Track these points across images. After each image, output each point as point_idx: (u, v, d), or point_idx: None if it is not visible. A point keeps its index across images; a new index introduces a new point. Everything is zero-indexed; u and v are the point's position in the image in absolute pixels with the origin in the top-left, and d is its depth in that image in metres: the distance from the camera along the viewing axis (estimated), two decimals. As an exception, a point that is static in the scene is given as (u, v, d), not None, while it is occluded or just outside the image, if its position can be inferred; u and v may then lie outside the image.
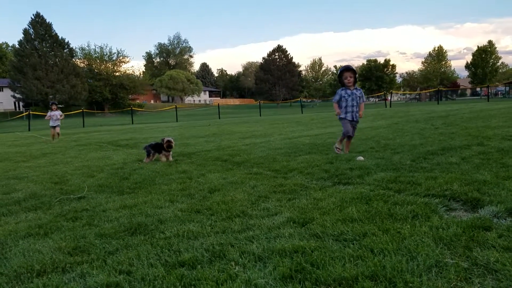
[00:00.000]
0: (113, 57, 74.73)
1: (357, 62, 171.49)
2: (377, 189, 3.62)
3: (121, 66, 75.42)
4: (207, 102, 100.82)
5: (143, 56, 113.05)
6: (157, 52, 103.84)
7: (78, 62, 71.17)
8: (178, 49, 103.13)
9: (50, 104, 14.28)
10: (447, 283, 1.76)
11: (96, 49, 74.03)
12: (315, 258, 2.11)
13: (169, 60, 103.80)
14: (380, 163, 4.88)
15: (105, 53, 74.01)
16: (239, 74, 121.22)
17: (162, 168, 5.70)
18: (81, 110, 33.82)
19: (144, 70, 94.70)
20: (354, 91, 6.11)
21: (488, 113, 13.72)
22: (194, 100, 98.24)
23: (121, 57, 75.52)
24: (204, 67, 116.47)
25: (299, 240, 2.42)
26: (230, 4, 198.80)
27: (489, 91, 44.79)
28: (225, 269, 2.06)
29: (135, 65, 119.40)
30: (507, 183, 3.43)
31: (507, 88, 62.92)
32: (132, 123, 30.47)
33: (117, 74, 73.64)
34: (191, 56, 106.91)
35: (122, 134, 14.67)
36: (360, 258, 2.08)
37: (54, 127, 13.48)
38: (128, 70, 76.57)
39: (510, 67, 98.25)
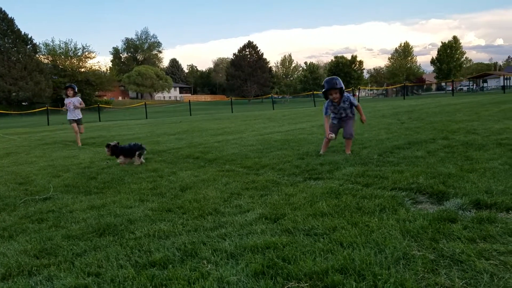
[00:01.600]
0: (78, 52, 72.74)
1: (325, 58, 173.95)
2: (346, 184, 3.69)
3: (86, 62, 73.53)
4: (178, 99, 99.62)
5: (110, 51, 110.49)
6: (125, 47, 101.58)
7: (42, 58, 68.91)
8: (147, 45, 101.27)
9: (65, 88, 10.43)
10: (414, 275, 1.82)
11: (61, 44, 71.91)
12: (286, 253, 2.14)
13: (137, 55, 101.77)
14: (349, 158, 4.97)
15: (70, 49, 71.95)
16: (210, 70, 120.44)
17: (131, 167, 5.60)
18: (45, 108, 32.74)
19: (111, 66, 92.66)
20: (342, 104, 5.55)
21: (453, 107, 14.22)
22: (164, 97, 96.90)
23: (86, 53, 73.63)
24: (174, 63, 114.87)
25: (271, 236, 2.44)
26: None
27: (454, 86, 46.40)
28: (197, 268, 2.06)
29: (101, 61, 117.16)
30: (471, 176, 3.56)
31: (471, 83, 65.35)
32: (100, 120, 29.76)
33: (82, 70, 71.75)
34: (160, 52, 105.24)
35: (89, 132, 14.31)
36: (330, 252, 2.12)
37: (75, 121, 9.94)
38: (94, 66, 74.80)
39: (474, 62, 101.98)
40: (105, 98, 78.12)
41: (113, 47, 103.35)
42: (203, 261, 2.13)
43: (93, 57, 75.92)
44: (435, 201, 3.03)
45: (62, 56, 71.12)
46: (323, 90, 5.50)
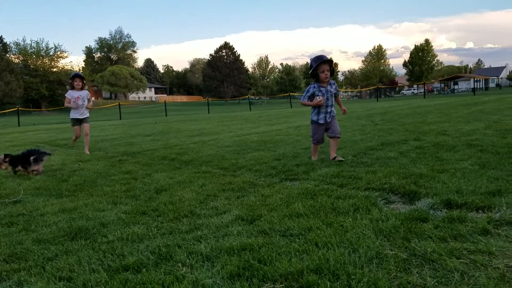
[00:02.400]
0: (50, 52, 70.95)
1: (301, 60, 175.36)
2: (322, 184, 3.73)
3: (59, 61, 71.85)
4: (153, 99, 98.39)
5: (82, 51, 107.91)
6: (98, 47, 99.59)
7: (13, 58, 66.89)
8: (121, 44, 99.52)
9: (72, 77, 8.01)
10: (387, 274, 1.85)
11: (32, 44, 69.99)
12: (262, 254, 2.14)
13: (111, 55, 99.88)
14: (325, 159, 5.03)
15: (41, 48, 70.12)
16: (186, 70, 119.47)
17: (104, 169, 5.49)
18: (16, 109, 31.74)
19: (84, 65, 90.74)
20: (328, 87, 5.02)
21: (424, 109, 14.58)
22: (138, 97, 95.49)
23: (58, 52, 71.91)
24: (149, 63, 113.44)
25: (247, 237, 2.43)
26: None
27: (425, 88, 47.65)
28: (172, 271, 2.03)
29: (74, 61, 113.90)
30: (442, 176, 3.66)
31: (442, 85, 67.30)
32: (73, 121, 29.03)
33: (54, 70, 70.01)
34: (134, 52, 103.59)
35: (60, 133, 13.96)
36: (306, 252, 2.14)
37: (79, 121, 7.87)
38: (66, 65, 73.06)
39: (445, 65, 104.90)
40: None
41: (86, 47, 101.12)
42: (178, 264, 2.11)
43: (66, 56, 74.21)
44: (407, 201, 3.10)
45: (34, 56, 69.25)
46: (312, 69, 4.94)
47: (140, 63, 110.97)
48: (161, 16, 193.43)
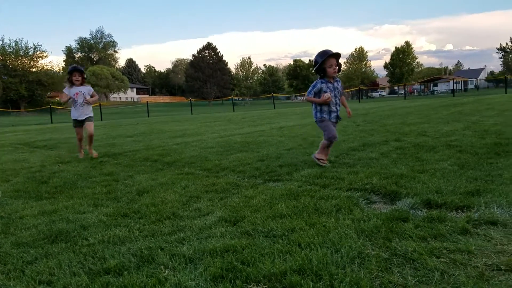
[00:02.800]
0: (29, 52, 69.49)
1: (284, 62, 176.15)
2: (305, 185, 3.74)
3: (38, 61, 70.38)
4: (135, 100, 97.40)
5: (62, 50, 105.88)
6: (78, 46, 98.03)
7: (-9, 58, 65.31)
8: (102, 44, 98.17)
9: (69, 71, 6.89)
10: (369, 274, 1.87)
11: (11, 43, 68.43)
12: (245, 256, 2.13)
13: (92, 55, 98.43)
14: (307, 160, 5.05)
15: (20, 48, 68.60)
16: (168, 71, 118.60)
17: (85, 170, 5.41)
18: (-7, 109, 31.00)
19: (64, 65, 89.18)
20: (335, 83, 4.69)
21: (405, 110, 14.80)
22: (120, 98, 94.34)
23: (38, 52, 70.48)
24: (131, 63, 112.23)
25: (231, 239, 2.43)
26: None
27: (406, 89, 48.43)
28: (154, 274, 2.01)
29: (54, 60, 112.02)
30: (422, 176, 3.72)
31: (422, 86, 68.51)
32: (52, 122, 28.58)
33: (34, 70, 68.60)
34: (115, 51, 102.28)
35: (40, 134, 13.69)
36: (289, 253, 2.14)
37: (81, 122, 6.81)
38: (46, 65, 71.64)
39: (425, 67, 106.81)
40: (58, 99, 74.90)
41: (66, 46, 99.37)
42: (160, 267, 2.09)
43: (45, 56, 72.62)
44: (388, 201, 3.14)
45: (13, 56, 67.71)
46: (317, 65, 4.58)
47: (121, 63, 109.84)
48: (143, 16, 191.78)
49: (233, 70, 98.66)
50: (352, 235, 2.35)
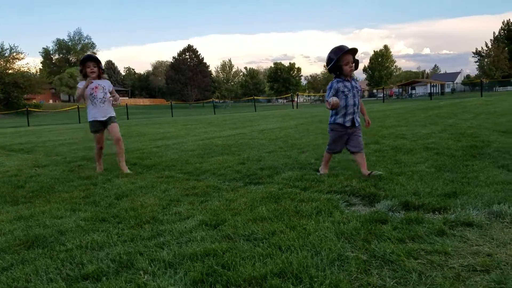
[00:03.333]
0: (5, 53, 67.70)
1: (265, 64, 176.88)
2: (285, 188, 3.76)
3: (14, 63, 68.58)
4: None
5: (39, 52, 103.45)
6: (56, 48, 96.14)
7: (-35, 59, 63.40)
8: (80, 46, 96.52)
9: (82, 60, 5.40)
10: (348, 276, 1.89)
11: (-14, 45, 66.55)
12: (226, 260, 2.12)
13: (70, 57, 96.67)
14: (288, 162, 5.08)
15: (-4, 49, 66.82)
16: (148, 73, 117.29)
17: (62, 174, 5.30)
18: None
19: (42, 67, 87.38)
20: (353, 82, 4.25)
21: (384, 113, 15.03)
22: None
23: (14, 53, 68.74)
24: (110, 65, 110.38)
25: (211, 242, 2.41)
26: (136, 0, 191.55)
27: (384, 92, 49.22)
28: (133, 279, 1.98)
29: (31, 62, 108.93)
30: (400, 179, 3.78)
31: (400, 90, 69.74)
32: (28, 125, 27.90)
33: (10, 71, 66.85)
34: (94, 53, 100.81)
35: (16, 138, 13.35)
36: (269, 256, 2.15)
37: (102, 123, 5.44)
38: (22, 67, 69.88)
39: (403, 70, 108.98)
40: (35, 101, 73.28)
41: (43, 48, 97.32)
42: (140, 272, 2.06)
43: (22, 58, 70.80)
44: (367, 203, 3.18)
45: (-12, 57, 65.93)
46: (331, 62, 4.13)
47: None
48: (123, 18, 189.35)
49: (214, 72, 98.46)
50: (332, 237, 2.37)
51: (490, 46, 74.43)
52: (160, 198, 3.68)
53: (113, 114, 5.47)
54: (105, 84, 5.39)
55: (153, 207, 3.36)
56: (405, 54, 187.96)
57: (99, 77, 5.33)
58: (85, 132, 14.61)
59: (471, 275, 1.84)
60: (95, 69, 5.25)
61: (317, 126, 10.87)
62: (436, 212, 2.80)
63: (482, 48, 76.48)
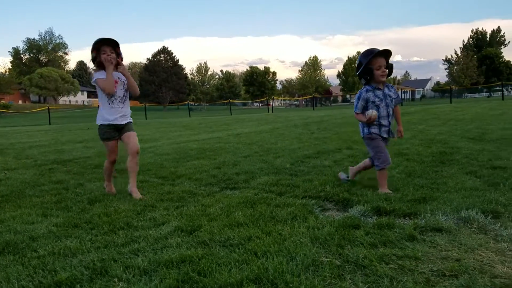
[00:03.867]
0: (-29, 52, 65.31)
1: (241, 68, 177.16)
2: (261, 193, 3.79)
3: (-18, 62, 66.28)
4: (86, 103, 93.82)
5: (9, 51, 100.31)
6: (26, 48, 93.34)
7: None
8: (51, 45, 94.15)
9: (95, 43, 3.94)
10: (322, 281, 1.93)
11: (-50, 42, 64.01)
12: (202, 266, 2.13)
13: (40, 57, 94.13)
14: (264, 167, 5.11)
15: (-39, 47, 64.37)
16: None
17: (33, 178, 5.16)
18: None
19: (11, 67, 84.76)
20: (386, 90, 3.73)
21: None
22: (70, 101, 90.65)
23: (-19, 52, 66.42)
24: (82, 65, 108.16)
25: (187, 249, 2.41)
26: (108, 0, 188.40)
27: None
28: (107, 287, 1.96)
29: None
30: (372, 184, 3.87)
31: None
32: (-4, 126, 26.95)
33: (-22, 72, 64.56)
34: (66, 54, 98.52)
35: (-18, 139, 12.88)
36: (245, 262, 2.16)
37: (118, 129, 4.10)
38: (-9, 67, 67.66)
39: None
40: (3, 101, 70.87)
41: (12, 47, 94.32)
42: (114, 279, 2.04)
43: (-10, 57, 68.64)
44: (341, 208, 3.25)
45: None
46: (361, 67, 3.66)
47: (72, 65, 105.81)
48: (95, 18, 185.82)
49: (189, 75, 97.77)
50: (306, 243, 2.40)
51: (459, 54, 77.06)
52: (134, 203, 3.63)
53: (130, 119, 4.23)
54: (124, 77, 4.12)
55: (127, 212, 3.32)
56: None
57: (118, 65, 4.05)
58: (56, 134, 14.24)
59: (440, 280, 1.91)
60: (114, 56, 3.96)
61: (292, 130, 10.97)
62: (407, 217, 2.88)
63: (451, 55, 79.10)
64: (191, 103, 66.94)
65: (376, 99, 3.66)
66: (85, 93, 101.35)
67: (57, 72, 79.49)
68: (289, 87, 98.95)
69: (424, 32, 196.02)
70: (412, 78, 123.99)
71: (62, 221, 3.14)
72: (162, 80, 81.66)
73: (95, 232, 2.85)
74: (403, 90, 59.59)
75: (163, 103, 75.21)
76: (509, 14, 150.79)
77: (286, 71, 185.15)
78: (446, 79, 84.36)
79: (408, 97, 62.65)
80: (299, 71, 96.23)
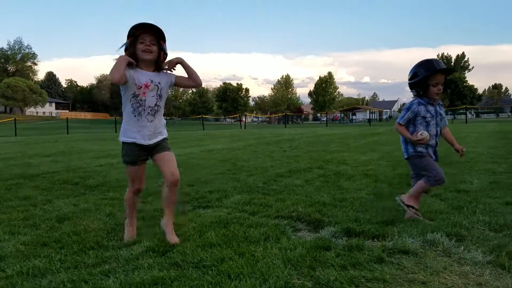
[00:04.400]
0: None
1: (214, 83, 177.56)
2: (234, 212, 3.81)
3: None
4: (54, 115, 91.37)
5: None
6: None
7: None
8: (20, 55, 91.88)
9: (133, 28, 2.91)
10: (294, 302, 1.97)
11: None
12: (175, 288, 2.13)
13: (8, 66, 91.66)
14: (237, 186, 5.14)
15: None
16: (92, 86, 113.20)
17: (-2, 193, 4.98)
18: None
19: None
20: (438, 108, 3.48)
21: (327, 138, 15.61)
22: (37, 112, 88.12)
23: None
24: (51, 76, 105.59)
25: (159, 270, 2.40)
26: (80, 10, 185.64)
27: (327, 117, 51.18)
28: (79, 310, 1.93)
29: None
30: (342, 205, 3.97)
31: (342, 115, 72.86)
32: (-44, 136, 25.81)
33: None
34: (35, 64, 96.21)
35: None
36: (218, 285, 2.18)
37: (146, 150, 3.17)
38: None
39: (345, 96, 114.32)
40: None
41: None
42: (85, 302, 2.01)
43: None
44: (312, 228, 3.31)
45: None
46: (417, 78, 3.38)
47: (40, 76, 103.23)
48: (66, 28, 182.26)
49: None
50: (279, 264, 2.44)
51: (425, 78, 79.93)
52: (105, 222, 3.58)
53: (166, 134, 3.35)
54: (165, 80, 3.12)
55: (97, 231, 3.27)
56: (347, 81, 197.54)
57: (157, 65, 3.09)
58: (23, 147, 13.78)
59: (406, 301, 1.99)
60: (155, 48, 3.00)
61: (265, 148, 11.07)
62: (375, 239, 2.97)
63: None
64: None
65: (428, 115, 3.41)
66: (54, 104, 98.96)
67: (25, 82, 77.50)
68: (262, 104, 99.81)
69: (392, 55, 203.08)
70: (380, 99, 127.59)
71: (30, 239, 3.06)
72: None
73: (64, 251, 2.80)
74: (371, 111, 61.15)
75: (134, 117, 74.12)
76: (473, 40, 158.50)
77: (259, 88, 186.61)
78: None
79: (376, 118, 64.30)
80: (272, 88, 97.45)
